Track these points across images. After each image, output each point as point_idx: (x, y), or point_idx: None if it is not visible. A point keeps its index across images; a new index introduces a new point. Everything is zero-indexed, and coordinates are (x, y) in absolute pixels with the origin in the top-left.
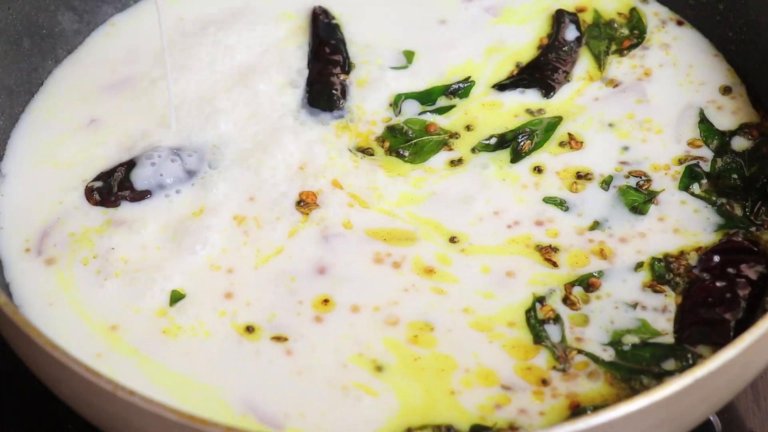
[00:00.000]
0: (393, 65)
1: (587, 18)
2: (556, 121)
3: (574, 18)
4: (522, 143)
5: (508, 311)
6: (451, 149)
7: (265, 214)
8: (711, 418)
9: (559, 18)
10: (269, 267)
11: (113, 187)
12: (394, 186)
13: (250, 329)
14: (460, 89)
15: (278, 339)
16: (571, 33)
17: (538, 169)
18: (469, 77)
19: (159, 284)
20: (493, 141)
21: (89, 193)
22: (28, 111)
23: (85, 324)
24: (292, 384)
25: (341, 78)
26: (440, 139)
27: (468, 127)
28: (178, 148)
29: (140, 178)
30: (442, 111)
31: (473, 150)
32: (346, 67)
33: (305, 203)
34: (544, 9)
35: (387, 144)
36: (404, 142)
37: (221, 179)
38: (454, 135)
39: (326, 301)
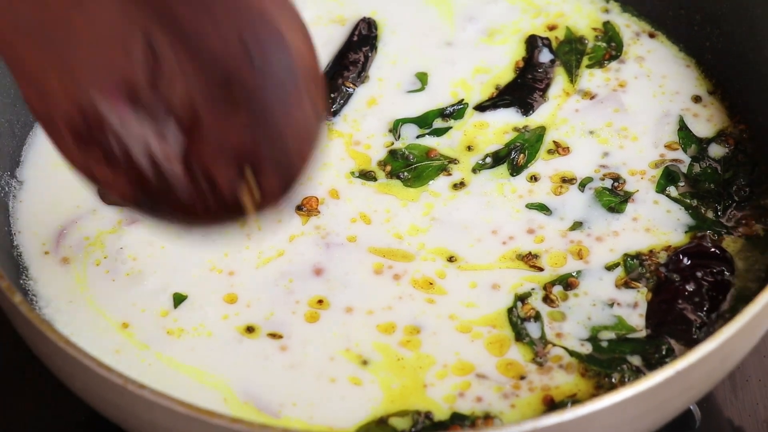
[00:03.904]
0: (409, 89)
1: (560, 35)
2: (542, 132)
3: (546, 41)
4: (516, 157)
5: (493, 316)
6: (449, 174)
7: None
8: (691, 408)
9: (532, 43)
10: (269, 269)
11: None
12: (403, 211)
13: (250, 329)
14: (454, 112)
15: (274, 336)
16: (545, 56)
17: (534, 178)
18: (462, 99)
19: (161, 285)
20: (489, 160)
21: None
22: None
23: (102, 320)
24: (286, 377)
25: (347, 86)
26: (439, 165)
27: (469, 148)
28: None
29: None
30: (439, 133)
31: (473, 171)
32: (360, 78)
33: (306, 209)
34: (518, 31)
35: (388, 168)
36: (405, 167)
37: None
38: (453, 161)
39: (320, 301)
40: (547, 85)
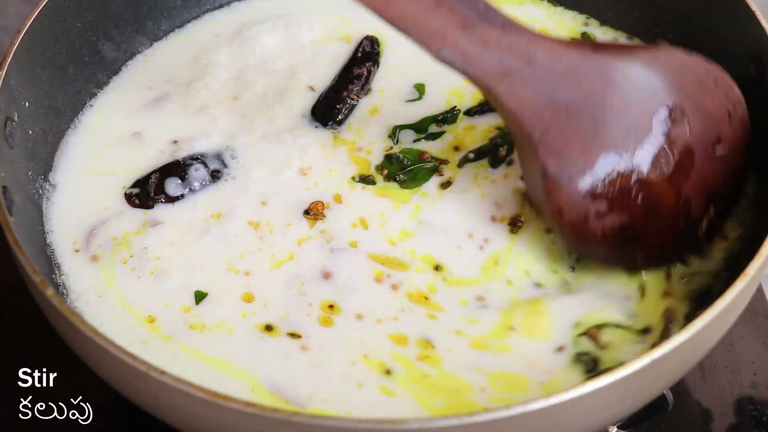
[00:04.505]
0: (408, 98)
1: None
2: None
3: None
4: (497, 150)
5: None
6: (441, 174)
7: (276, 219)
8: (665, 393)
9: None
10: (281, 271)
11: (150, 192)
12: (395, 214)
13: (269, 328)
14: (448, 117)
15: (293, 335)
16: None
17: (509, 162)
18: (455, 107)
19: (183, 283)
20: (471, 155)
21: (129, 198)
22: (73, 128)
23: (129, 314)
24: (311, 374)
25: (351, 98)
26: (432, 166)
27: (456, 148)
28: (202, 153)
29: (172, 187)
30: (434, 137)
31: (458, 165)
32: (363, 90)
33: (313, 213)
34: None
35: (386, 171)
36: (401, 169)
37: (237, 183)
38: (444, 161)
39: (331, 306)
40: None
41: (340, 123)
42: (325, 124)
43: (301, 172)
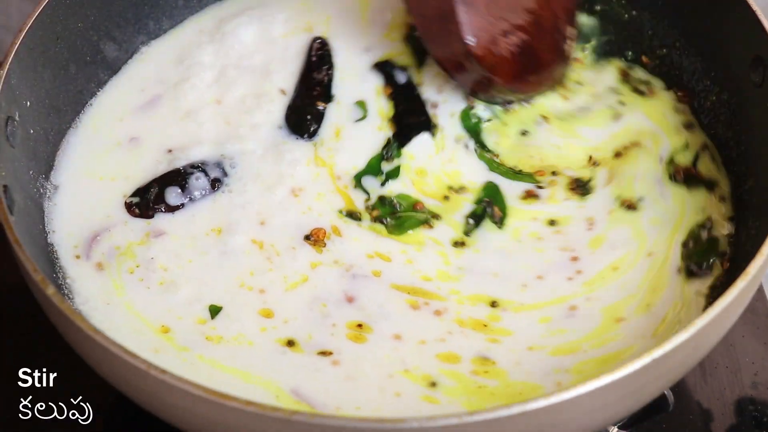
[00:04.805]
0: (356, 118)
1: None
2: (493, 185)
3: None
4: (491, 212)
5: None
6: (431, 227)
7: (279, 241)
8: (666, 393)
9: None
10: (299, 292)
11: (150, 202)
12: (421, 255)
13: (291, 343)
14: (390, 153)
15: (323, 353)
16: (402, 77)
17: (500, 223)
18: (389, 139)
19: (195, 296)
20: (471, 222)
21: (129, 207)
22: (74, 128)
23: (139, 323)
24: (343, 386)
25: (317, 106)
26: (423, 218)
27: (446, 198)
28: (202, 162)
29: (172, 196)
30: (393, 175)
31: (466, 234)
32: (327, 97)
33: (314, 239)
34: None
35: (375, 213)
36: (390, 213)
37: (234, 197)
38: (436, 216)
39: (360, 325)
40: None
41: (313, 134)
42: (301, 135)
43: (293, 193)
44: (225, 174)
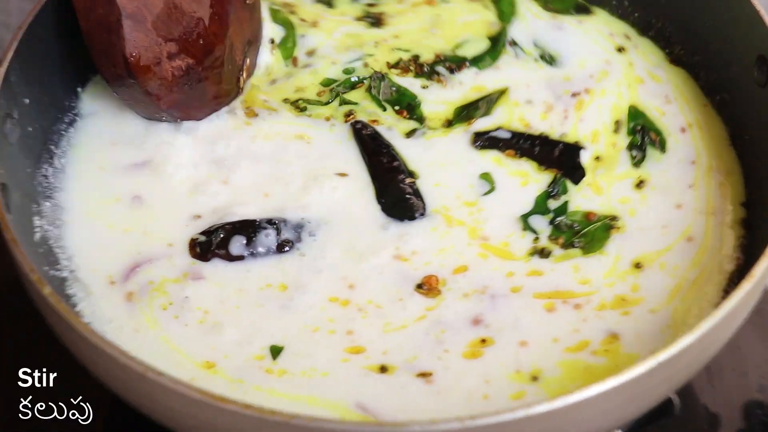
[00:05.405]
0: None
1: None
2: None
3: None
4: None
5: None
6: (618, 229)
7: (379, 297)
8: (671, 397)
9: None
10: (409, 329)
11: (212, 245)
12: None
13: (383, 369)
14: (558, 190)
15: (422, 375)
16: None
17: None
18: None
19: (245, 338)
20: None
21: (192, 244)
22: (74, 128)
23: (176, 354)
24: (425, 398)
25: (408, 182)
26: (603, 224)
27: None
28: (283, 219)
29: (236, 246)
30: (560, 212)
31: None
32: (413, 176)
33: (426, 287)
34: None
35: (561, 240)
36: (575, 235)
37: (305, 260)
38: (614, 218)
39: (484, 340)
40: None
41: (423, 214)
42: (407, 219)
43: (398, 258)
44: (299, 239)
